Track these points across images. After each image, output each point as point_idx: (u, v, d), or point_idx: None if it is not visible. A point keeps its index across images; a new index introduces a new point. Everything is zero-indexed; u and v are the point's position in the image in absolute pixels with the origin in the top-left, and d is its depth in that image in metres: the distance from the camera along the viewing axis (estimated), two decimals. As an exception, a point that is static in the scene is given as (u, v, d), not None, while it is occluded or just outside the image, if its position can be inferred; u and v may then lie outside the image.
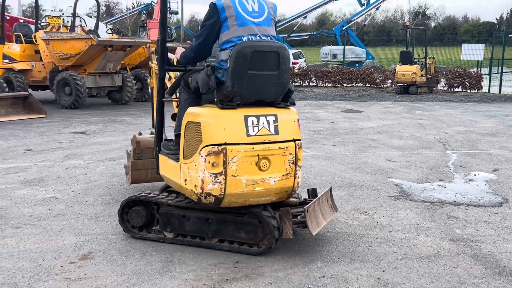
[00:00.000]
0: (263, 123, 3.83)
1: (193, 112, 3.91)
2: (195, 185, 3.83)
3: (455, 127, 11.24)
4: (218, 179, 3.73)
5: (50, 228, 4.65)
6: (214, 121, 3.76)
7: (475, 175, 6.86)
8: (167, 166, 4.32)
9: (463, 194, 5.93)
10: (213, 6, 3.91)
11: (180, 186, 4.09)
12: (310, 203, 4.10)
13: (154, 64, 5.29)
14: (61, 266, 3.82)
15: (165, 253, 4.09)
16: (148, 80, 5.67)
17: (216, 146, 3.70)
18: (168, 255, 4.06)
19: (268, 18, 4.01)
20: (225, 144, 3.71)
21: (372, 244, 4.34)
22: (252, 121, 3.80)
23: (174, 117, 4.54)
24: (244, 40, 3.82)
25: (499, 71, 21.78)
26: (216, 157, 3.70)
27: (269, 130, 3.85)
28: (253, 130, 3.79)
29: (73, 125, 10.95)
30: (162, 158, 4.40)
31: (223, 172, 3.72)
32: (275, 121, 3.89)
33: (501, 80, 20.81)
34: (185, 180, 3.95)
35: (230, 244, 4.13)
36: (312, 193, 4.60)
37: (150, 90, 5.84)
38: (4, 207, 5.25)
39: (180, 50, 4.39)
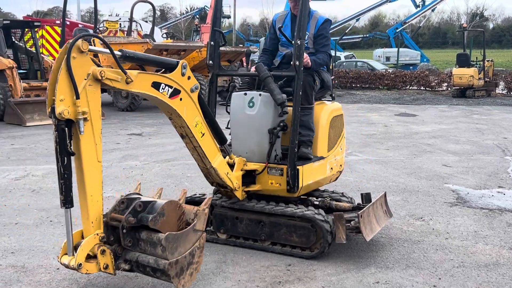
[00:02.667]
0: None
1: (336, 107, 4.70)
2: (340, 165, 4.72)
3: (515, 132, 10.84)
4: None
5: (108, 226, 4.79)
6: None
7: (536, 182, 6.59)
8: (313, 171, 4.27)
9: (524, 201, 5.72)
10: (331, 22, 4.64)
11: (324, 179, 4.53)
12: (364, 209, 4.06)
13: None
14: (119, 264, 3.93)
15: (219, 253, 4.15)
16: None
17: None
18: (221, 255, 4.11)
19: None
20: None
21: (427, 251, 4.25)
22: None
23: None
24: None
25: None
26: None
27: None
28: None
29: (129, 127, 11.25)
30: (307, 167, 4.21)
31: None
32: None
33: None
34: (331, 168, 4.56)
35: (282, 247, 4.14)
36: (366, 197, 4.55)
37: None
38: (65, 205, 5.44)
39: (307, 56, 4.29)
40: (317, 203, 4.54)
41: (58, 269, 3.83)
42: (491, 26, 75.23)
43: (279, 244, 4.16)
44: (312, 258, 4.02)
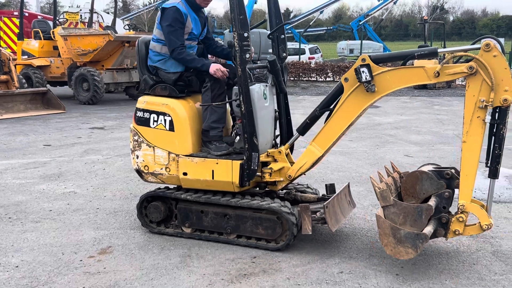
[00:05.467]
0: None
1: None
2: None
3: (474, 122, 11.08)
4: None
5: (69, 222, 4.70)
6: None
7: (495, 171, 6.76)
8: None
9: (482, 189, 5.84)
10: None
11: None
12: (329, 200, 4.08)
13: None
14: (81, 260, 3.86)
15: (183, 247, 4.12)
16: None
17: None
18: (186, 249, 4.08)
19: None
20: None
21: (390, 240, 4.30)
22: None
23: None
24: None
25: (519, 66, 21.43)
26: None
27: None
28: None
29: (91, 121, 11.04)
30: None
31: None
32: None
33: (521, 74, 20.47)
34: None
35: (247, 239, 4.14)
36: (330, 188, 4.58)
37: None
38: (24, 201, 5.31)
39: None
40: (282, 195, 4.54)
41: (17, 267, 3.73)
42: (451, 18, 76.80)
43: (244, 237, 4.15)
44: (277, 250, 4.02)
